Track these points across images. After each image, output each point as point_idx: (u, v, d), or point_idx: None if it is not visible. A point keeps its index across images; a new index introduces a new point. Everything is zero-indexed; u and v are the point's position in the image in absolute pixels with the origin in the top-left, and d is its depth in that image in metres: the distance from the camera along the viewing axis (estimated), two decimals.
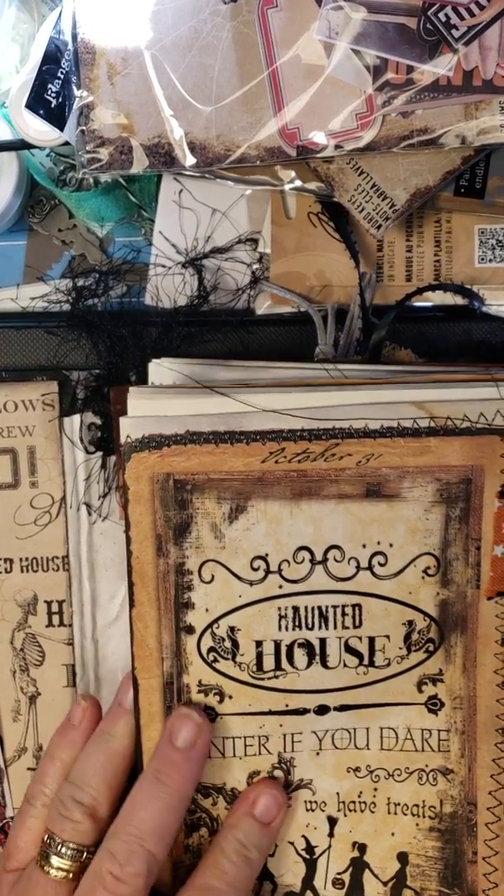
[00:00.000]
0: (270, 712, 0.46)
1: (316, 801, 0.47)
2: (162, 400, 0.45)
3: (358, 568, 0.45)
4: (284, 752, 0.47)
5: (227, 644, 0.46)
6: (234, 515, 0.45)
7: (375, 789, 0.47)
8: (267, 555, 0.45)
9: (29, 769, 0.55)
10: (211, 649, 0.46)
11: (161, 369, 0.47)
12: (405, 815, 0.47)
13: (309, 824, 0.48)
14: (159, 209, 0.54)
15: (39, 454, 0.54)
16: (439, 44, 0.44)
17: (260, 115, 0.47)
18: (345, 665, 0.46)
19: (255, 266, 0.53)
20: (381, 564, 0.45)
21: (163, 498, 0.45)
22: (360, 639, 0.46)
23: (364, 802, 0.47)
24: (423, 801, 0.47)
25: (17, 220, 0.56)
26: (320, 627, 0.46)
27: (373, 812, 0.47)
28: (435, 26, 0.44)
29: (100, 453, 0.53)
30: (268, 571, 0.45)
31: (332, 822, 0.47)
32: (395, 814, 0.47)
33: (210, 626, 0.46)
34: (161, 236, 0.54)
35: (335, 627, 0.46)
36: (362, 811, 0.47)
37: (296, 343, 0.52)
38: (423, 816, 0.47)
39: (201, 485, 0.44)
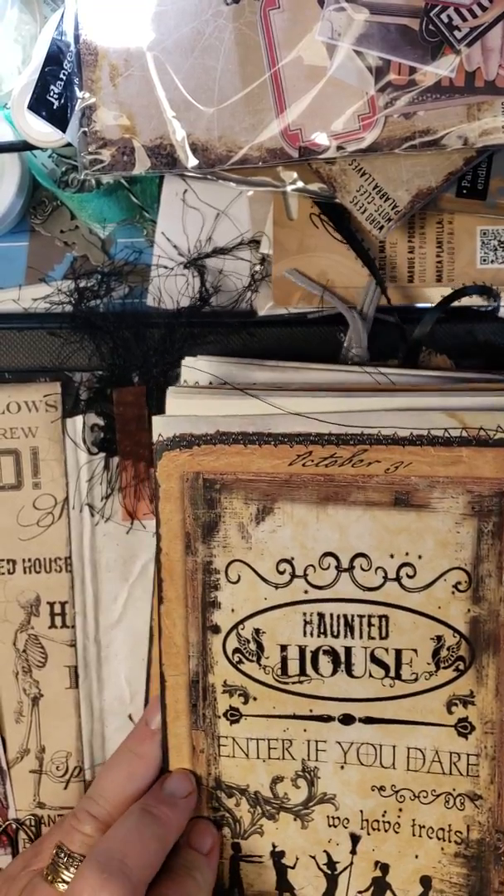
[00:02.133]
0: (295, 716, 0.46)
1: (339, 817, 0.47)
2: (199, 400, 0.45)
3: (385, 578, 0.44)
4: (308, 759, 0.47)
5: (253, 646, 0.46)
6: (262, 517, 0.45)
7: (400, 809, 0.46)
8: (293, 558, 0.45)
9: (31, 771, 0.55)
10: (236, 650, 0.46)
11: (193, 368, 0.48)
12: (430, 838, 0.46)
13: (331, 840, 0.47)
14: (161, 210, 0.54)
15: (42, 455, 0.54)
16: (441, 45, 0.44)
17: (262, 117, 0.47)
18: (371, 675, 0.45)
19: (256, 267, 0.53)
20: (409, 576, 0.44)
21: (192, 496, 0.45)
22: (386, 650, 0.45)
23: (388, 822, 0.46)
24: (450, 826, 0.46)
25: (20, 222, 0.56)
26: (346, 636, 0.45)
27: (397, 832, 0.46)
28: (437, 27, 0.44)
29: (102, 454, 0.53)
30: (293, 575, 0.45)
31: (355, 839, 0.47)
32: (420, 836, 0.46)
33: (236, 626, 0.46)
34: (163, 237, 0.54)
35: (361, 637, 0.45)
36: (386, 830, 0.46)
37: (297, 344, 0.52)
38: (449, 841, 0.46)
39: (230, 484, 0.45)
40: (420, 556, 0.44)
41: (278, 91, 0.47)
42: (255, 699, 0.47)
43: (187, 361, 0.48)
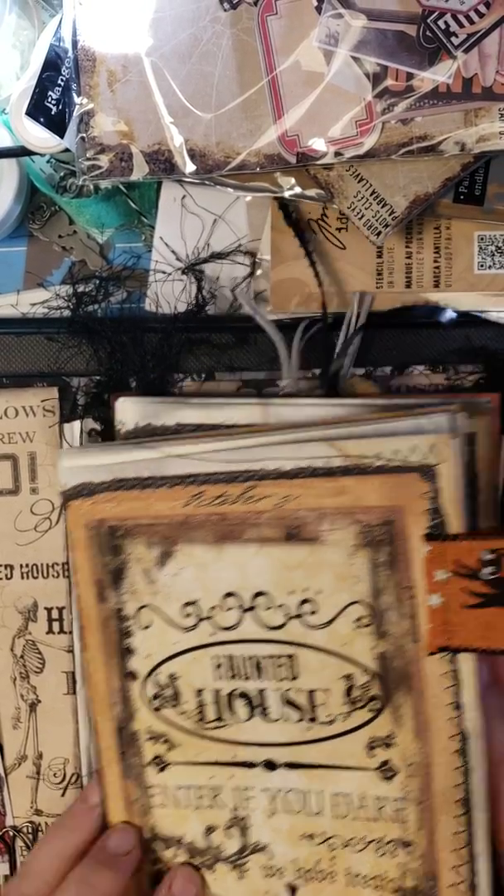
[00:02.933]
0: (219, 763, 0.46)
1: (273, 867, 0.46)
2: (91, 456, 0.46)
3: (288, 616, 0.43)
4: (238, 808, 0.46)
5: (170, 691, 0.45)
6: (164, 560, 0.44)
7: (333, 858, 0.45)
8: (197, 601, 0.44)
9: (28, 777, 0.55)
10: (155, 696, 0.46)
11: (126, 406, 0.49)
12: (366, 887, 0.44)
13: (268, 891, 0.46)
14: (159, 215, 0.54)
15: (40, 460, 0.54)
16: (439, 51, 0.44)
17: (260, 123, 0.47)
18: (286, 719, 0.44)
19: (243, 275, 0.53)
20: (311, 613, 0.43)
21: (99, 544, 0.45)
22: (298, 691, 0.43)
23: (323, 871, 0.45)
24: (384, 874, 0.44)
25: (18, 227, 0.56)
26: (257, 678, 0.44)
27: (333, 882, 0.45)
28: (434, 34, 0.44)
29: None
30: (199, 618, 0.44)
31: (293, 889, 0.46)
32: (356, 886, 0.45)
33: (152, 672, 0.46)
34: (161, 242, 0.54)
35: (271, 678, 0.44)
36: (322, 880, 0.45)
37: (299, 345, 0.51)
38: (385, 889, 0.44)
39: (131, 530, 0.45)
40: (319, 592, 0.43)
41: (276, 97, 0.47)
42: (178, 746, 0.46)
43: (119, 401, 0.49)
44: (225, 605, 0.44)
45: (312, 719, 0.43)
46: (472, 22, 0.44)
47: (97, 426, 0.53)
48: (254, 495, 0.42)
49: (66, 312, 0.54)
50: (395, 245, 0.52)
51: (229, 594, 0.44)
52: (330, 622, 0.42)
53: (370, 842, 0.44)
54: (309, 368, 0.51)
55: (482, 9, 0.44)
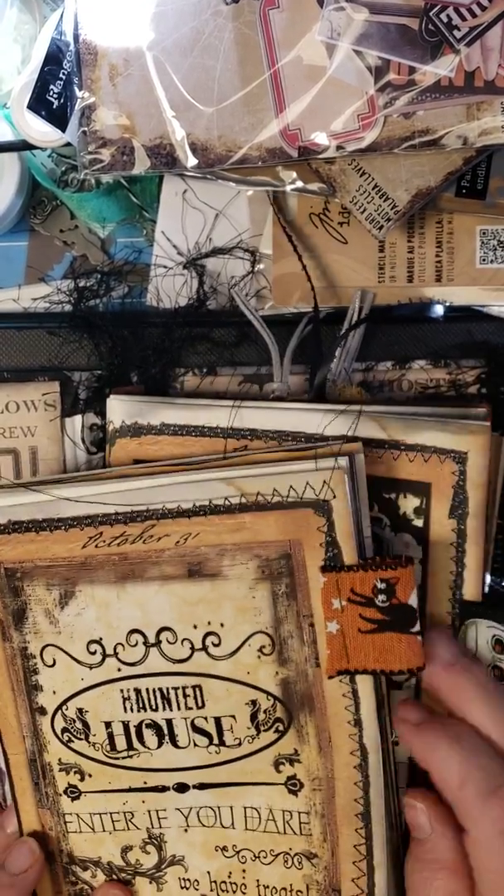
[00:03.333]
0: (131, 789, 0.47)
1: (189, 879, 0.47)
2: None
3: (193, 649, 0.44)
4: (153, 827, 0.47)
5: (79, 725, 0.46)
6: (65, 601, 0.45)
7: (244, 870, 0.46)
8: (101, 638, 0.45)
9: None
10: (64, 730, 0.47)
11: (114, 404, 0.50)
12: None
13: None
14: (161, 210, 0.54)
15: (41, 454, 0.54)
16: (441, 45, 0.44)
17: (261, 116, 0.47)
18: (195, 745, 0.45)
19: (245, 271, 0.53)
20: (215, 645, 0.44)
21: None
22: (205, 719, 0.45)
23: (235, 884, 0.46)
24: (291, 886, 0.45)
25: (19, 221, 0.56)
26: (164, 709, 0.45)
27: (244, 894, 0.46)
28: (437, 27, 0.44)
29: (101, 454, 0.53)
30: (104, 655, 0.45)
31: None
32: None
33: (59, 707, 0.47)
34: (163, 237, 0.54)
35: (179, 708, 0.45)
36: (234, 892, 0.46)
37: (298, 343, 0.51)
38: None
39: (29, 572, 0.45)
40: (222, 624, 0.44)
41: (278, 91, 0.47)
42: (90, 776, 0.47)
43: (110, 399, 0.50)
44: (130, 641, 0.45)
45: (220, 743, 0.44)
46: (474, 15, 0.44)
47: (98, 420, 0.53)
48: (154, 534, 0.44)
49: (68, 307, 0.54)
50: (397, 239, 0.52)
51: (134, 631, 0.45)
52: (233, 653, 0.44)
53: (278, 854, 0.45)
54: (307, 365, 0.51)
55: (484, 2, 0.44)
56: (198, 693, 0.44)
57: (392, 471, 0.48)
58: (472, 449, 0.46)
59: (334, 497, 0.41)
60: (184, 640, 0.44)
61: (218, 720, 0.44)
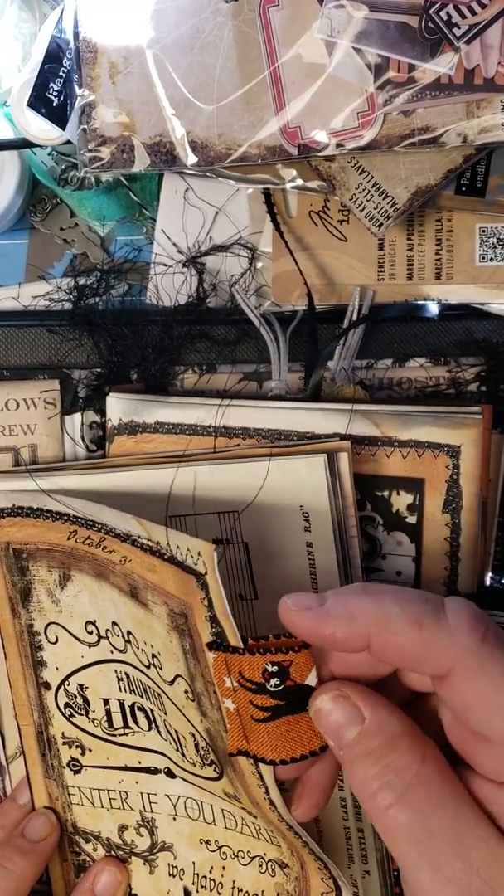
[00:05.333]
0: (126, 768, 0.47)
1: (177, 867, 0.47)
2: None
3: (149, 662, 0.42)
4: (145, 810, 0.47)
5: (80, 700, 0.47)
6: (63, 583, 0.45)
7: (224, 868, 0.45)
8: (95, 621, 0.45)
9: None
10: (67, 704, 0.47)
11: (112, 402, 0.50)
12: None
13: (170, 891, 0.47)
14: (161, 208, 0.54)
15: (41, 452, 0.54)
16: (441, 42, 0.44)
17: (261, 114, 0.47)
18: (170, 742, 0.44)
19: (244, 268, 0.53)
20: (158, 668, 0.42)
21: (7, 564, 0.46)
22: (169, 725, 0.43)
23: (214, 880, 0.46)
24: (263, 892, 0.44)
25: (19, 219, 0.56)
26: (146, 699, 0.45)
27: (220, 894, 0.45)
28: (436, 25, 0.44)
29: (101, 452, 0.53)
30: (100, 636, 0.45)
31: (187, 894, 0.47)
32: None
33: (62, 683, 0.47)
34: (163, 235, 0.54)
35: (154, 705, 0.44)
36: (211, 890, 0.46)
37: (294, 341, 0.51)
38: None
39: (33, 553, 0.46)
40: (159, 654, 0.42)
41: (277, 88, 0.47)
42: (90, 751, 0.48)
43: (108, 399, 0.51)
44: (114, 631, 0.45)
45: (183, 755, 0.44)
46: (473, 13, 0.44)
47: (98, 418, 0.53)
48: (107, 546, 0.42)
49: (68, 305, 0.54)
50: (397, 237, 0.52)
51: (115, 623, 0.44)
52: (171, 683, 0.41)
53: (254, 857, 0.44)
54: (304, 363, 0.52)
55: (484, 0, 0.44)
56: (161, 701, 0.43)
57: (385, 468, 0.48)
58: (466, 442, 0.46)
59: (206, 573, 0.37)
60: (142, 649, 0.43)
61: (177, 733, 0.43)
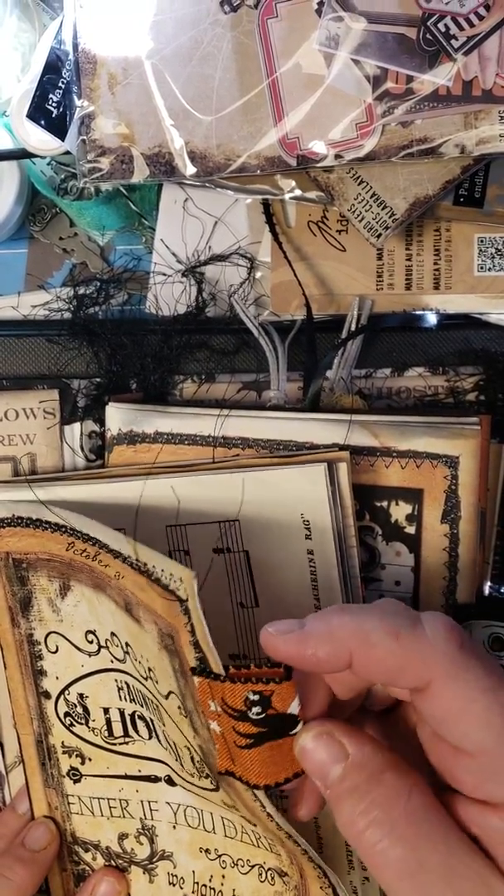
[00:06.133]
0: (126, 776, 0.47)
1: (177, 875, 0.47)
2: None
3: (147, 675, 0.42)
4: (145, 818, 0.47)
5: (80, 710, 0.47)
6: (63, 592, 0.45)
7: (224, 876, 0.45)
8: (95, 630, 0.45)
9: None
10: (66, 714, 0.47)
11: (111, 412, 0.51)
12: None
13: None
14: (160, 218, 0.54)
15: (40, 462, 0.54)
16: (439, 54, 0.45)
17: (260, 125, 0.47)
18: (169, 752, 0.44)
19: (243, 278, 0.53)
20: (154, 682, 0.42)
21: (7, 574, 0.46)
22: (167, 736, 0.43)
23: (213, 889, 0.46)
24: None
25: (19, 229, 0.56)
26: (145, 707, 0.45)
27: None
28: (434, 36, 0.45)
29: (100, 461, 0.53)
30: (100, 645, 0.45)
31: None
32: None
33: (62, 692, 0.47)
34: (162, 244, 0.54)
35: (153, 715, 0.44)
36: None
37: (292, 351, 0.52)
38: None
39: (33, 563, 0.46)
40: (153, 668, 0.41)
41: (276, 100, 0.47)
42: (90, 759, 0.48)
43: (108, 406, 0.51)
44: (113, 641, 0.45)
45: (182, 766, 0.43)
46: (471, 25, 0.44)
47: (97, 428, 0.53)
48: (102, 560, 0.42)
49: (67, 314, 0.54)
50: (396, 247, 0.52)
51: (113, 633, 0.44)
52: (166, 697, 0.41)
53: (254, 865, 0.44)
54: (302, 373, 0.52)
55: (482, 11, 0.44)
56: (160, 713, 0.43)
57: (384, 479, 0.48)
58: (464, 453, 0.47)
59: (187, 599, 0.37)
60: (139, 661, 0.43)
61: (174, 744, 0.43)
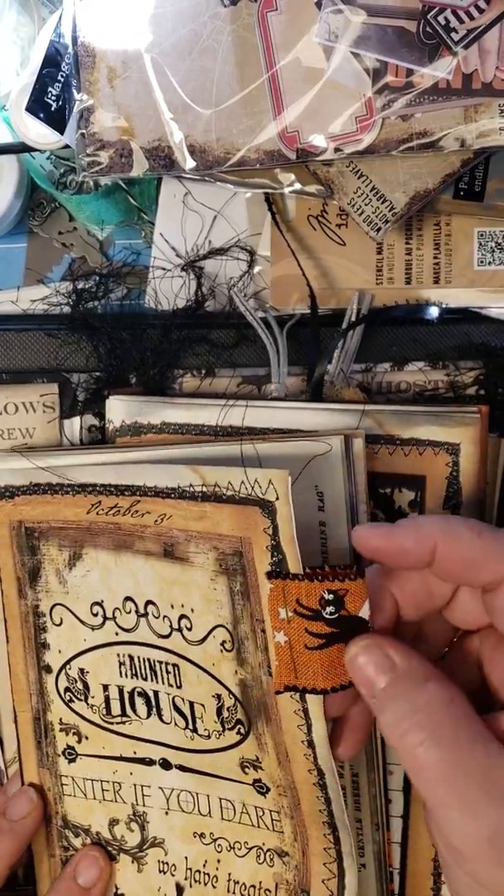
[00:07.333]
0: (121, 758, 0.47)
1: (167, 863, 0.47)
2: (11, 460, 0.49)
3: (171, 628, 0.44)
4: (137, 804, 0.47)
5: (80, 685, 0.47)
6: (73, 562, 0.46)
7: (219, 860, 0.45)
8: (102, 601, 0.46)
9: None
10: (67, 689, 0.48)
11: (114, 404, 0.51)
12: (243, 895, 0.45)
13: (160, 888, 0.47)
14: (159, 212, 0.54)
15: None
16: (439, 47, 0.44)
17: (260, 119, 0.47)
18: (175, 723, 0.45)
19: (242, 271, 0.53)
20: (187, 629, 0.43)
21: (18, 544, 0.47)
22: (182, 700, 0.44)
23: (208, 874, 0.46)
24: (260, 883, 0.44)
25: (18, 223, 0.56)
26: (152, 680, 0.45)
27: (214, 887, 0.46)
28: (434, 29, 0.44)
29: None
30: (105, 618, 0.46)
31: (180, 890, 0.47)
32: (234, 892, 0.45)
33: (64, 666, 0.47)
34: (161, 239, 0.54)
35: (163, 683, 0.45)
36: (205, 884, 0.46)
37: (293, 345, 0.52)
38: None
39: (45, 532, 0.46)
40: (193, 610, 0.43)
41: (276, 93, 0.47)
42: (87, 738, 0.48)
43: (109, 399, 0.51)
44: (125, 608, 0.45)
45: (194, 730, 0.44)
46: (471, 18, 0.44)
47: (96, 422, 0.53)
48: (139, 510, 0.43)
49: (66, 309, 0.54)
50: (395, 241, 0.52)
51: (128, 598, 0.45)
52: (202, 641, 0.43)
53: (252, 847, 0.45)
54: (305, 367, 0.52)
55: (482, 4, 0.44)
56: (177, 672, 0.44)
57: (387, 466, 0.48)
58: (465, 440, 0.47)
59: (277, 499, 0.39)
60: (164, 616, 0.44)
61: (192, 705, 0.44)
